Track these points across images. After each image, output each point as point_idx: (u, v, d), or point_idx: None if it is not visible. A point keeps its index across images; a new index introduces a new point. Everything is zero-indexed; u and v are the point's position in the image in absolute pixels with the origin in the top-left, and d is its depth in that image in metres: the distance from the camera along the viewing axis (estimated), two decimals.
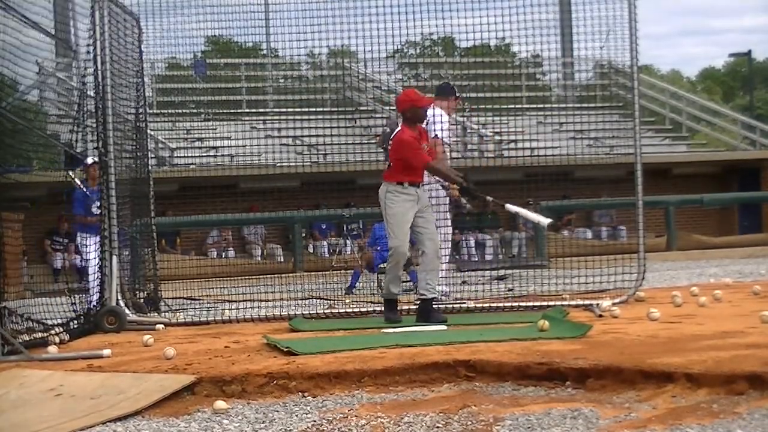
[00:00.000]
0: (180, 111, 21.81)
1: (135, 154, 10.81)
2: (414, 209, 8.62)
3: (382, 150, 10.29)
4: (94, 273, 10.34)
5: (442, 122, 10.09)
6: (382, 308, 8.89)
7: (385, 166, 8.86)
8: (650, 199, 13.97)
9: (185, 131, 21.48)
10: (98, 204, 10.71)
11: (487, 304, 9.71)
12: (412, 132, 8.63)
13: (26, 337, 8.03)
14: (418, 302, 8.85)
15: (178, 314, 10.21)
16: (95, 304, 10.21)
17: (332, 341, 7.31)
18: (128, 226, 11.02)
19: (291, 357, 6.55)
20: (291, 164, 17.84)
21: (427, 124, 9.42)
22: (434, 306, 8.80)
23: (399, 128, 8.76)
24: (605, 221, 23.47)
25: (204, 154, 21.12)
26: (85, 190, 11.17)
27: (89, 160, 10.96)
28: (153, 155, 17.18)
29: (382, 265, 12.94)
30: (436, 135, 9.84)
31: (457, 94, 10.66)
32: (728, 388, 5.14)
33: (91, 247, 10.93)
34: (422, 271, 8.75)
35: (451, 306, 9.61)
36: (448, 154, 10.24)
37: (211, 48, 26.28)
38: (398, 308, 8.80)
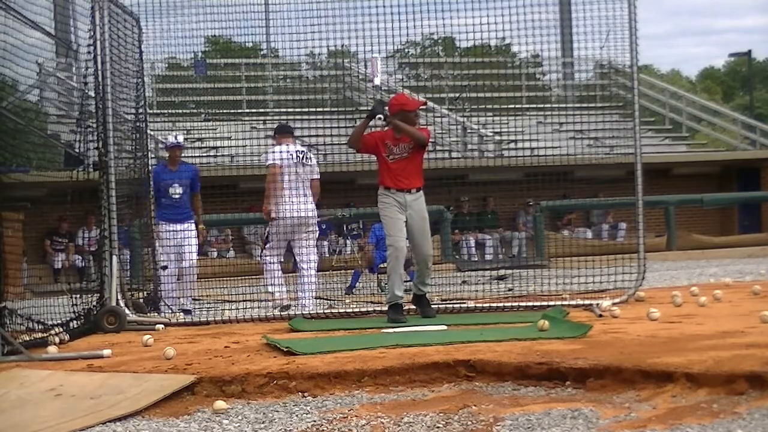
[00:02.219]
0: (180, 111, 21.80)
1: (135, 154, 10.81)
2: (401, 211, 8.74)
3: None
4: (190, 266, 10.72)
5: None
6: (385, 309, 8.91)
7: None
8: (650, 199, 13.98)
9: (185, 131, 21.44)
10: (177, 187, 10.85)
11: (487, 304, 9.72)
12: (388, 132, 8.83)
13: (26, 337, 8.03)
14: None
15: (178, 314, 10.21)
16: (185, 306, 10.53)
17: (332, 341, 7.31)
18: (128, 226, 11.05)
19: (291, 357, 6.55)
20: None
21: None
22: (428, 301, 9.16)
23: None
24: (603, 220, 23.50)
25: (204, 154, 21.10)
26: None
27: (173, 140, 10.89)
28: (153, 155, 17.16)
29: (382, 265, 12.95)
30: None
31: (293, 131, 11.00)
32: (728, 388, 5.14)
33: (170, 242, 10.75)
34: (416, 278, 9.12)
35: (451, 306, 9.62)
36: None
37: (211, 48, 26.27)
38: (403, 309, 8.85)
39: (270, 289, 10.62)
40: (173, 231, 10.81)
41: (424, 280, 9.00)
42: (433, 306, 9.24)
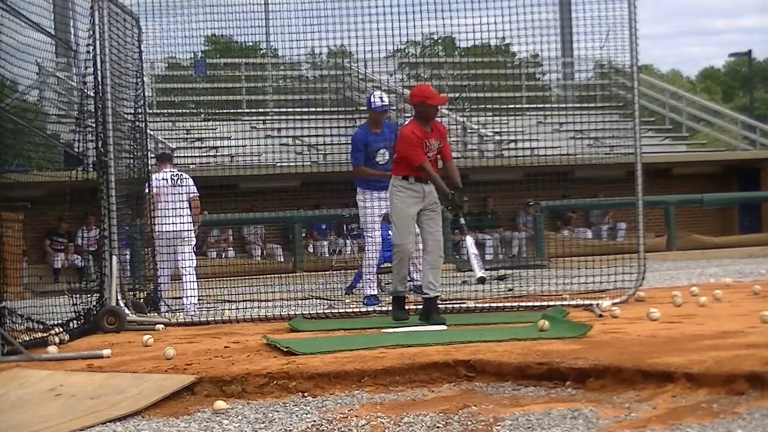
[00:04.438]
0: (180, 111, 21.80)
1: (134, 154, 10.82)
2: (418, 206, 8.50)
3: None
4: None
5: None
6: (386, 310, 8.89)
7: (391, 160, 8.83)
8: (650, 199, 13.97)
9: (185, 131, 21.47)
10: (385, 152, 10.25)
11: (487, 304, 9.72)
12: (420, 128, 8.43)
13: (26, 337, 8.03)
14: (422, 300, 8.81)
15: (178, 314, 10.21)
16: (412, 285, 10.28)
17: (332, 341, 7.31)
18: (128, 226, 11.06)
19: (291, 357, 6.55)
20: (291, 164, 17.82)
21: None
22: (437, 305, 8.73)
23: (407, 122, 8.70)
24: (602, 220, 23.52)
25: (204, 154, 21.11)
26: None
27: (379, 102, 10.27)
28: (153, 155, 17.18)
29: (384, 265, 12.93)
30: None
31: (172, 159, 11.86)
32: (728, 388, 5.14)
33: (374, 211, 10.30)
34: (425, 269, 8.64)
35: (451, 306, 9.61)
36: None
37: (211, 48, 26.26)
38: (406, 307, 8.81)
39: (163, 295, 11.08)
40: (377, 198, 10.29)
41: (436, 275, 8.53)
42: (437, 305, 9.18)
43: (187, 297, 10.93)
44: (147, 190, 10.99)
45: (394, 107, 20.94)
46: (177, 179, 11.33)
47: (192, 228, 11.42)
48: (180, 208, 11.16)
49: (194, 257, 11.49)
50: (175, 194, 11.18)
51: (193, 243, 11.53)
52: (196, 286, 11.23)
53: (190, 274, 11.18)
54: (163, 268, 11.10)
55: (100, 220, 9.58)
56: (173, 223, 10.99)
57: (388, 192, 8.88)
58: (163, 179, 11.23)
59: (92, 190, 9.57)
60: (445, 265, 10.66)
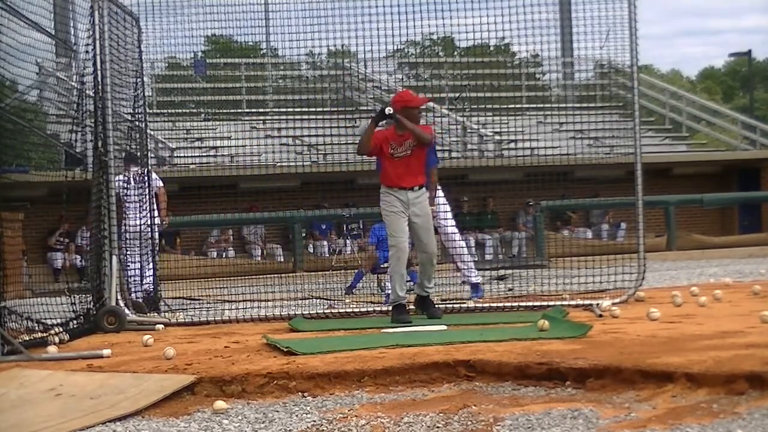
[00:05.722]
0: (180, 111, 21.81)
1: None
2: (404, 210, 8.68)
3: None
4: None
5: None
6: (386, 309, 8.91)
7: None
8: (650, 198, 13.99)
9: (185, 131, 21.48)
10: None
11: (487, 304, 9.72)
12: (392, 131, 8.72)
13: (26, 337, 8.02)
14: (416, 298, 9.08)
15: (178, 314, 10.21)
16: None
17: (332, 341, 7.31)
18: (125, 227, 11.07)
19: (291, 357, 6.55)
20: (291, 164, 17.83)
21: None
22: (432, 302, 9.09)
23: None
24: (602, 220, 23.54)
25: (204, 154, 21.12)
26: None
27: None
28: (153, 155, 17.18)
29: (383, 265, 12.94)
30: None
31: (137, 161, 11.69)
32: (728, 388, 5.13)
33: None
34: (419, 277, 9.00)
35: (451, 306, 9.62)
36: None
37: (211, 48, 26.27)
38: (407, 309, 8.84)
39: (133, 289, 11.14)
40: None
41: (429, 279, 8.89)
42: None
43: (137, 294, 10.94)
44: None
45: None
46: (139, 178, 11.32)
47: (158, 223, 11.55)
48: (149, 204, 11.21)
49: (156, 256, 11.67)
50: (140, 194, 11.19)
51: (156, 241, 11.68)
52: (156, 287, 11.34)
53: (152, 275, 11.27)
54: (134, 266, 11.13)
55: (96, 219, 9.54)
56: (143, 223, 11.03)
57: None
58: (124, 181, 11.17)
59: (88, 190, 9.55)
60: (445, 265, 10.69)
